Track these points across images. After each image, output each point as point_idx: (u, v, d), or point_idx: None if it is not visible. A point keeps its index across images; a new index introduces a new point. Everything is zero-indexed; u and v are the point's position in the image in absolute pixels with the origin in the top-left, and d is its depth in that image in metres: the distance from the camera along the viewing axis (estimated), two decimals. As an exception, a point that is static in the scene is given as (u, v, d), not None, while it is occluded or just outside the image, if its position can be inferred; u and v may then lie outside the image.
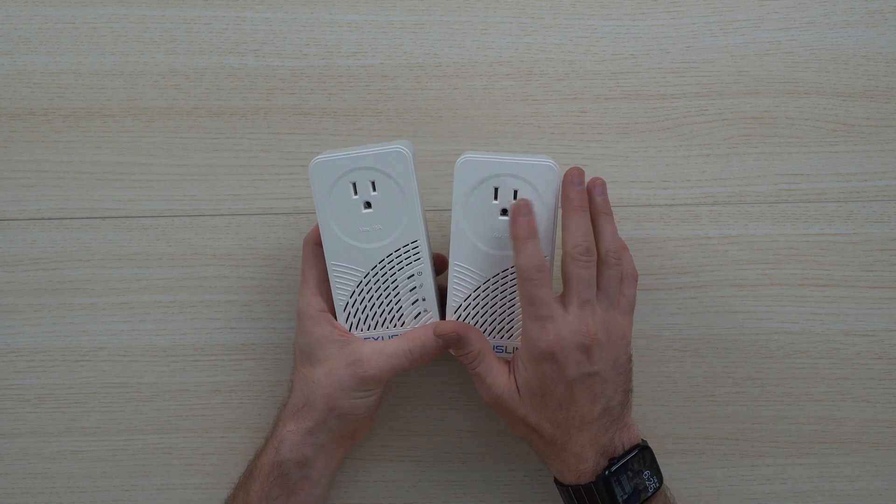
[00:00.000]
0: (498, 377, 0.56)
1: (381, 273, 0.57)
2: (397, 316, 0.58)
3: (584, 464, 0.56)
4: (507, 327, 0.59)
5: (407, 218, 0.56)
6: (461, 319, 0.58)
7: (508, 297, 0.58)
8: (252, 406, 0.66)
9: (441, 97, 0.65)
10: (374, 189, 0.56)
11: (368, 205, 0.56)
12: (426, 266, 0.58)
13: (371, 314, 0.58)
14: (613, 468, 0.55)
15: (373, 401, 0.58)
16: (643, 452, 0.57)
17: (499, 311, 0.58)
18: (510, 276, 0.57)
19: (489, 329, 0.59)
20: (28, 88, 0.65)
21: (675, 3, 0.65)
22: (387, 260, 0.57)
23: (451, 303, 0.58)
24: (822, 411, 0.66)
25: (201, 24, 0.65)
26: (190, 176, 0.65)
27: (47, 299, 0.65)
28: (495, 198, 0.56)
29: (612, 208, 0.59)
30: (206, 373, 0.66)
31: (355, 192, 0.56)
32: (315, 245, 0.58)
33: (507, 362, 0.57)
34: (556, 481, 0.58)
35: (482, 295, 0.58)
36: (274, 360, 0.66)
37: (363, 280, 0.58)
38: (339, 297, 0.58)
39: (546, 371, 0.54)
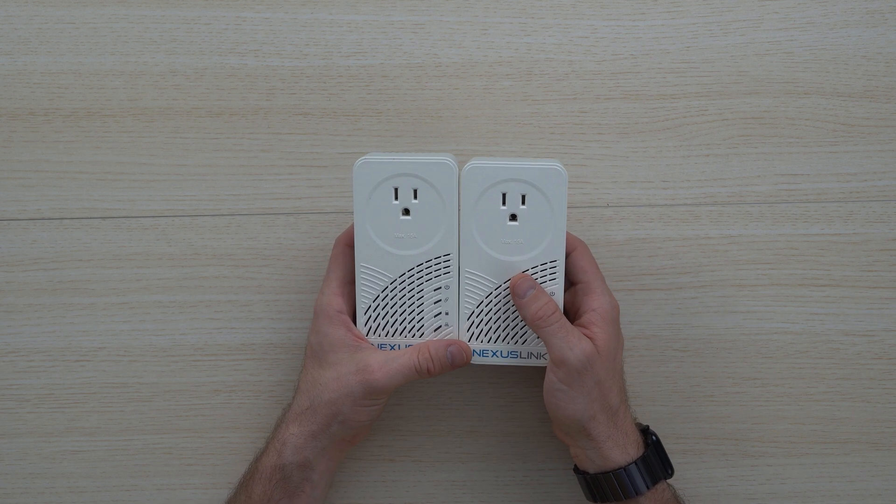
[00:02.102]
0: (582, 335, 0.56)
1: (408, 281, 0.57)
2: (417, 327, 0.58)
3: (635, 434, 0.58)
4: (520, 332, 0.59)
5: (444, 230, 0.56)
6: (475, 326, 0.58)
7: None
8: (252, 406, 0.66)
9: (441, 97, 0.65)
10: (416, 197, 0.56)
11: (407, 212, 0.56)
12: (455, 281, 0.57)
13: (391, 321, 0.58)
14: (653, 434, 0.59)
15: (377, 410, 0.58)
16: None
17: (512, 316, 0.58)
18: None
19: (503, 335, 0.59)
20: (28, 88, 0.65)
21: (675, 3, 0.65)
22: (416, 269, 0.57)
23: (464, 309, 0.58)
24: (822, 411, 0.66)
25: (201, 24, 0.65)
26: (190, 176, 0.65)
27: (47, 299, 0.65)
28: (503, 203, 0.56)
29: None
30: (206, 373, 0.66)
31: (396, 198, 0.56)
32: (346, 246, 0.58)
33: None
34: (606, 471, 0.57)
35: (494, 301, 0.58)
36: (274, 360, 0.66)
37: (389, 286, 0.57)
38: (363, 300, 0.58)
39: (617, 333, 0.58)
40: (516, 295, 0.56)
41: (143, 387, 0.66)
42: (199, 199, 0.65)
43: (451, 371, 0.58)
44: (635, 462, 0.56)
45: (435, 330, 0.58)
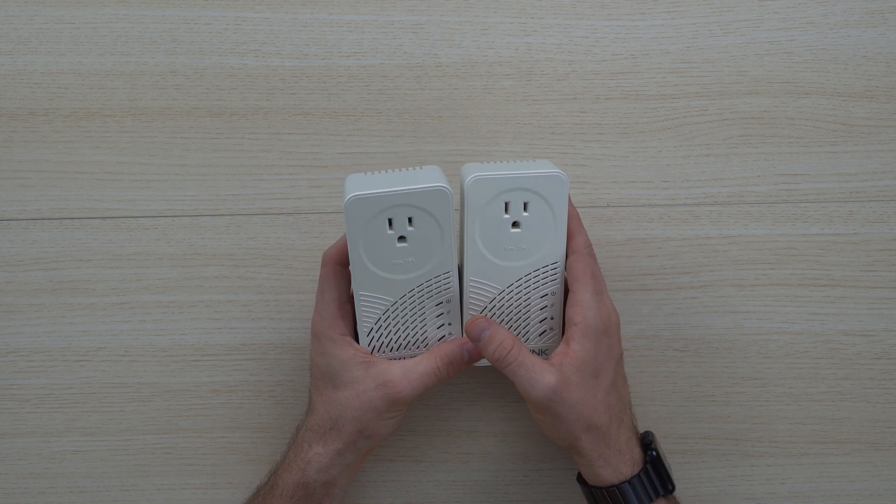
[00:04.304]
0: (546, 366, 0.54)
1: (409, 302, 0.57)
2: (421, 340, 0.58)
3: (631, 452, 0.56)
4: (522, 334, 0.59)
5: (442, 252, 0.55)
6: None
7: (523, 307, 0.58)
8: (252, 406, 0.66)
9: (441, 97, 0.65)
10: (411, 224, 0.54)
11: (402, 238, 0.54)
12: (455, 295, 0.57)
13: (395, 338, 0.58)
14: (654, 449, 0.57)
15: (399, 419, 0.58)
16: (651, 433, 0.59)
17: (514, 320, 0.58)
18: (524, 287, 0.57)
19: None
20: (28, 88, 0.65)
21: (675, 3, 0.65)
22: (416, 290, 0.56)
23: (468, 316, 0.58)
24: (822, 411, 0.66)
25: (201, 24, 0.65)
26: (190, 176, 0.65)
27: (47, 299, 0.65)
28: (506, 212, 0.55)
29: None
30: (206, 373, 0.66)
31: (391, 227, 0.54)
32: (336, 264, 0.57)
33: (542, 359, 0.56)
34: (600, 487, 0.56)
35: (498, 306, 0.58)
36: (274, 360, 0.66)
37: (390, 308, 0.57)
38: (364, 324, 0.57)
39: (601, 346, 0.55)
40: (472, 339, 0.56)
41: (143, 387, 0.66)
42: (199, 199, 0.65)
43: (466, 369, 0.58)
44: (629, 481, 0.55)
45: (439, 339, 0.58)
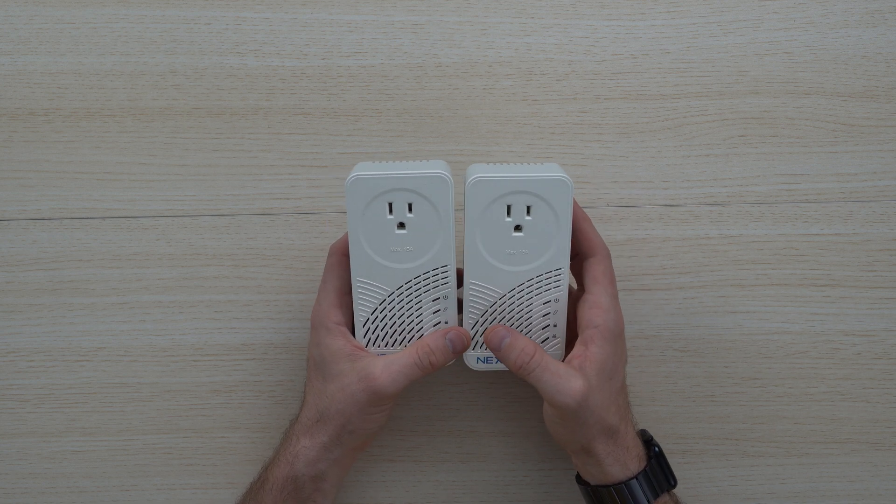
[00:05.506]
0: (571, 370, 0.54)
1: (406, 293, 0.57)
2: (417, 336, 0.58)
3: (637, 448, 0.57)
4: None
5: (440, 243, 0.55)
6: (479, 335, 0.58)
7: (525, 313, 0.58)
8: (252, 406, 0.66)
9: (441, 97, 0.65)
10: (411, 211, 0.54)
11: (402, 225, 0.55)
12: (453, 290, 0.57)
13: (391, 331, 0.58)
14: (656, 445, 0.58)
15: (384, 416, 0.58)
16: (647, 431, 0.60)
17: (515, 326, 0.58)
18: (526, 292, 0.57)
19: None
20: (28, 88, 0.65)
21: (675, 3, 0.65)
22: (414, 281, 0.56)
23: (468, 319, 0.58)
24: (822, 411, 0.66)
25: (201, 24, 0.65)
26: (190, 176, 0.65)
27: (47, 299, 0.65)
28: (508, 215, 0.55)
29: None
30: (206, 373, 0.66)
31: (390, 212, 0.55)
32: (342, 255, 0.57)
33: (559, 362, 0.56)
34: (607, 485, 0.56)
35: (499, 310, 0.57)
36: (274, 360, 0.66)
37: (387, 298, 0.57)
38: (361, 313, 0.57)
39: (618, 349, 0.56)
40: (492, 349, 0.56)
41: (143, 387, 0.66)
42: (199, 199, 0.65)
43: (453, 360, 0.58)
44: (636, 477, 0.56)
45: None
